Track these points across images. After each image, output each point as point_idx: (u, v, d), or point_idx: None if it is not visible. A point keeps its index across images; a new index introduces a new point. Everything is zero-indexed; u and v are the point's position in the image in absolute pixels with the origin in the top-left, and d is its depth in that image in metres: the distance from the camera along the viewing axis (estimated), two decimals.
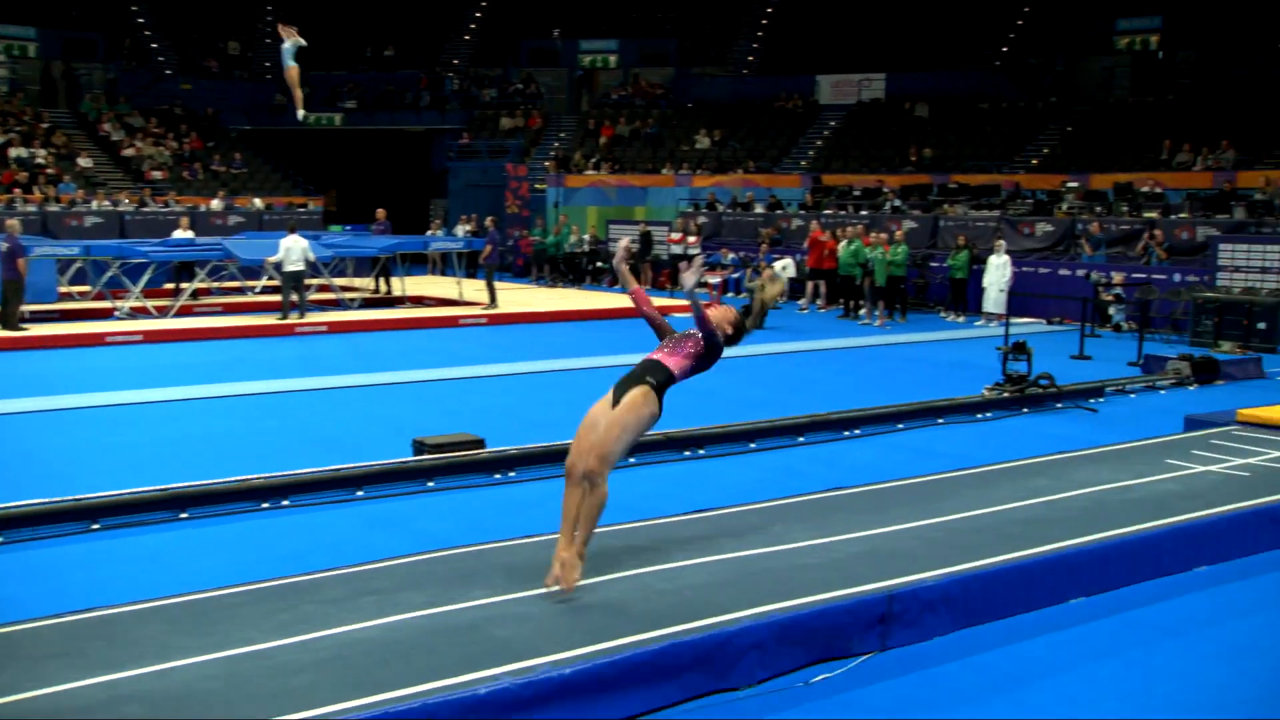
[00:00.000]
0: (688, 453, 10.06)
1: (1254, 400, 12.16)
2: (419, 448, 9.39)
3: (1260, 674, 5.52)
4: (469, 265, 27.46)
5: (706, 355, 6.18)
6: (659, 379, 5.99)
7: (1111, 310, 20.64)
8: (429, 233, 31.37)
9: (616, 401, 5.86)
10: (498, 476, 9.15)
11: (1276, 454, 9.11)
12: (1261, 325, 17.70)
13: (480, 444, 9.48)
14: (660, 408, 5.95)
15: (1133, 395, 13.57)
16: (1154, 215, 22.78)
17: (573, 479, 5.78)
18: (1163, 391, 13.86)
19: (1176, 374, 14.31)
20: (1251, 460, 8.88)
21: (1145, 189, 24.98)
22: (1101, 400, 13.07)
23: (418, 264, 28.98)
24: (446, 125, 39.34)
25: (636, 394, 5.85)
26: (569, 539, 5.74)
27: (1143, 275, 20.80)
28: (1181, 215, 22.56)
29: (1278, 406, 10.84)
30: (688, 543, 6.60)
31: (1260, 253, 19.33)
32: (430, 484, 8.87)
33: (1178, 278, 20.46)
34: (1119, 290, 20.62)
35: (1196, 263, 20.94)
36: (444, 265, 29.78)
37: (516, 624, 5.31)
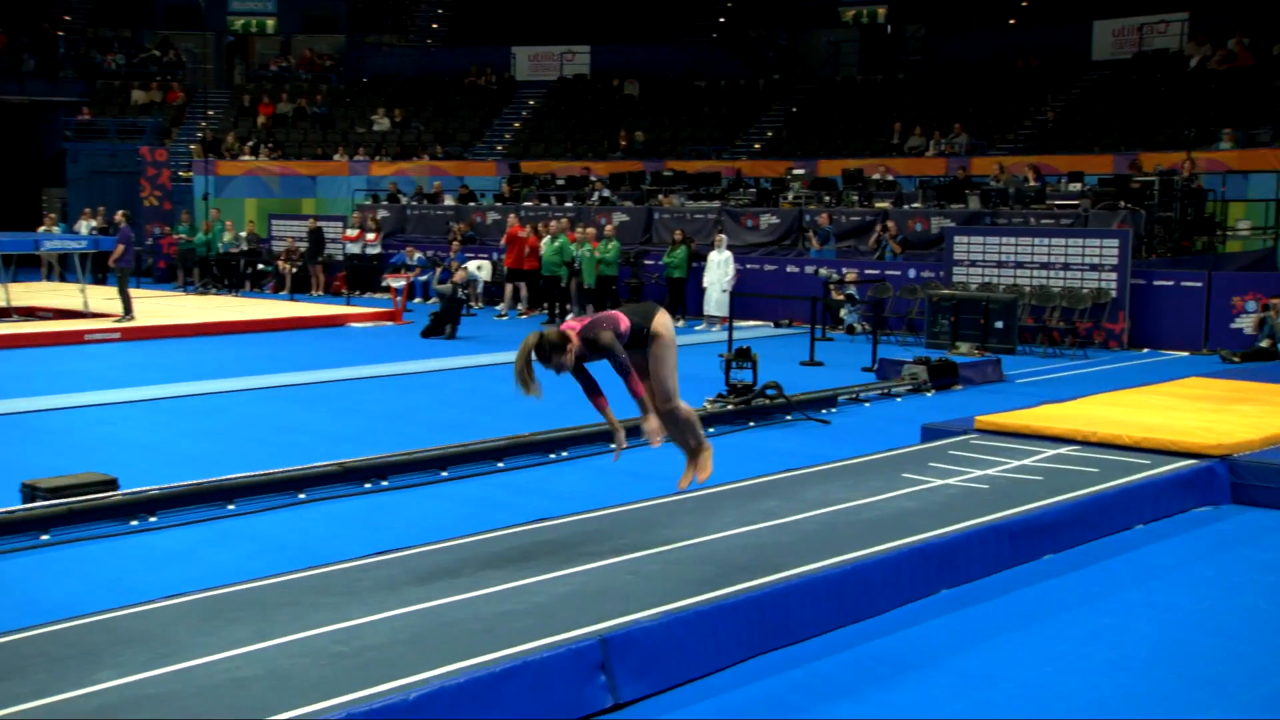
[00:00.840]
0: (368, 485, 9.89)
1: (992, 405, 13.02)
2: (31, 493, 8.84)
3: (1002, 704, 5.89)
4: (97, 269, 26.10)
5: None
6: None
7: (843, 311, 21.69)
8: (42, 229, 29.64)
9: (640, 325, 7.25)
10: (134, 524, 8.73)
11: (1015, 463, 9.79)
12: (999, 324, 19.03)
13: (112, 485, 9.02)
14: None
15: (867, 404, 14.29)
16: (886, 205, 24.12)
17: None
18: (899, 399, 14.66)
19: (913, 379, 15.17)
20: (990, 471, 9.50)
21: (876, 176, 26.43)
22: (834, 410, 13.68)
23: (28, 268, 27.35)
24: (61, 97, 37.29)
25: (662, 327, 7.28)
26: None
27: (876, 271, 21.99)
28: (915, 205, 23.99)
29: (1017, 412, 11.66)
30: (367, 593, 6.46)
31: (995, 245, 20.78)
32: (45, 537, 8.36)
33: (913, 273, 21.74)
34: (851, 289, 21.72)
35: (931, 257, 22.32)
36: (63, 269, 28.20)
37: (152, 707, 5.04)
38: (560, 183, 29.17)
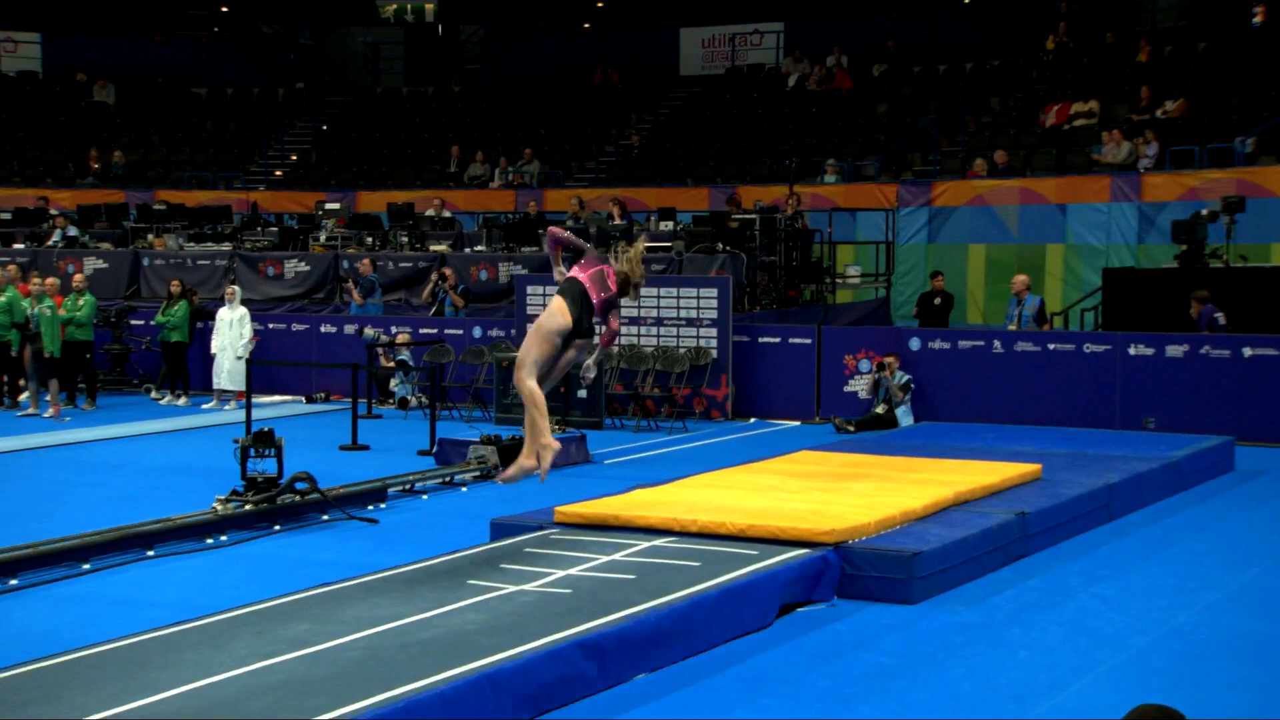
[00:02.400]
0: None
1: (576, 492, 13.34)
2: None
3: None
4: None
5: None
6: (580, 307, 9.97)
7: (394, 381, 21.77)
8: None
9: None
10: None
11: (602, 559, 10.07)
12: (582, 393, 19.53)
13: None
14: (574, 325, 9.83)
15: (425, 496, 14.39)
16: (443, 248, 24.45)
17: None
18: (464, 488, 14.86)
19: (480, 463, 15.40)
20: (573, 571, 9.73)
21: (430, 212, 26.76)
22: (383, 506, 13.73)
23: None
24: None
25: (553, 303, 9.79)
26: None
27: (434, 331, 22.18)
28: (479, 248, 24.44)
29: (604, 499, 12.00)
30: None
31: None
32: None
33: (478, 332, 22.07)
34: (404, 353, 21.81)
35: (501, 312, 22.73)
36: None
37: None
38: (5, 216, 27.90)
